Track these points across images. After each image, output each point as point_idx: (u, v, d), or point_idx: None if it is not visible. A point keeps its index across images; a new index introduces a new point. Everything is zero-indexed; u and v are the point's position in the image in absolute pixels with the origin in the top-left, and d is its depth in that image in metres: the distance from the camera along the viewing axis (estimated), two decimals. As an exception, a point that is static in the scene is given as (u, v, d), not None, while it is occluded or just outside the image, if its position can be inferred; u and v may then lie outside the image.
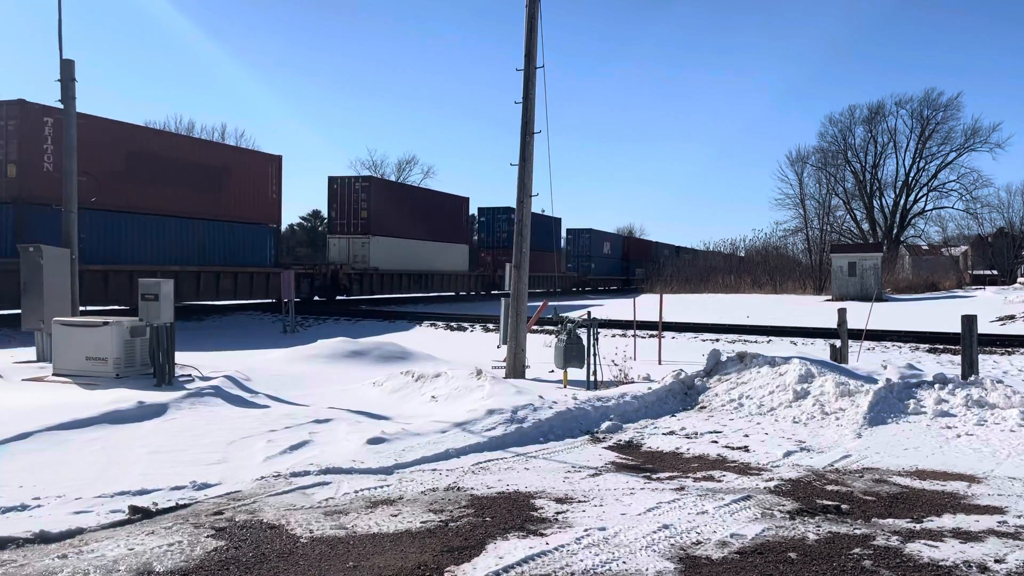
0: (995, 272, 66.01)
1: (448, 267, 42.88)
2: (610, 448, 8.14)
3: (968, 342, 11.20)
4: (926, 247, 73.52)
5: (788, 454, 7.79)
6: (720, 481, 6.74)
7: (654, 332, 17.99)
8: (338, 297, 33.34)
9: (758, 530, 5.29)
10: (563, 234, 60.45)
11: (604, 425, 9.04)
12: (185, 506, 5.74)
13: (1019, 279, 59.46)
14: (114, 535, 5.07)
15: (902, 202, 70.96)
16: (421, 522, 5.44)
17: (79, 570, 4.44)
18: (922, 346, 18.15)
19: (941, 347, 17.80)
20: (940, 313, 27.31)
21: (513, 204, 13.26)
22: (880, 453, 7.84)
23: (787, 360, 10.92)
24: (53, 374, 11.00)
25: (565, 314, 12.70)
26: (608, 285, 65.61)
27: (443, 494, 6.18)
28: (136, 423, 8.27)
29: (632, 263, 70.12)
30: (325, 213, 39.88)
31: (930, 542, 5.07)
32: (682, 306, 31.54)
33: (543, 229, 54.30)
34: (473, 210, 53.47)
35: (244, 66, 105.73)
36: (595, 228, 63.32)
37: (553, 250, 53.90)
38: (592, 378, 11.36)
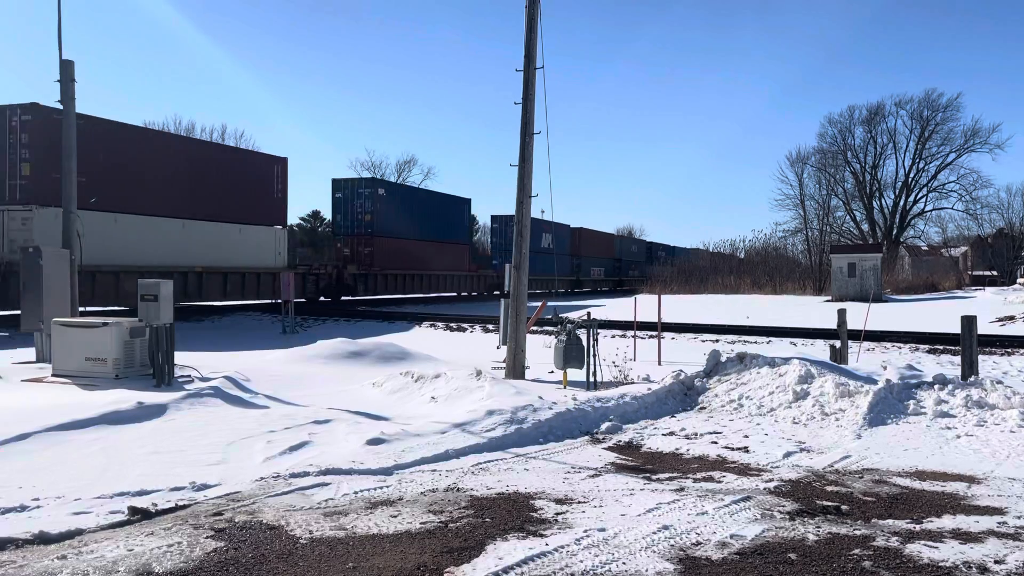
0: (995, 273, 66.05)
1: (243, 262, 27.56)
2: (610, 449, 8.13)
3: (968, 343, 11.20)
4: (926, 248, 73.60)
5: (788, 455, 7.79)
6: (720, 482, 6.73)
7: (653, 333, 18.00)
8: None
9: (758, 531, 5.29)
10: (487, 221, 51.30)
11: (604, 426, 9.04)
12: (184, 507, 5.74)
13: (1019, 280, 59.47)
14: (113, 536, 5.06)
15: (902, 203, 71.07)
16: (421, 523, 5.44)
17: (78, 571, 4.44)
18: (922, 347, 18.15)
19: (941, 348, 17.80)
20: (940, 314, 27.31)
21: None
22: (880, 454, 7.84)
23: (787, 361, 10.91)
24: (52, 375, 10.99)
25: (564, 315, 12.69)
26: (547, 287, 56.38)
27: (443, 495, 6.18)
28: (135, 424, 8.26)
29: (585, 261, 59.34)
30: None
31: (930, 543, 5.07)
32: (681, 307, 31.55)
33: (440, 211, 41.34)
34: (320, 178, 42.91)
35: (244, 67, 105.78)
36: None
37: (458, 240, 43.24)
38: (592, 379, 11.36)
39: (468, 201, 45.55)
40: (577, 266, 57.45)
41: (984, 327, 18.14)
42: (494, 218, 50.75)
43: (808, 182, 63.36)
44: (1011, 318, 26.38)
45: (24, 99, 20.34)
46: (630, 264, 68.40)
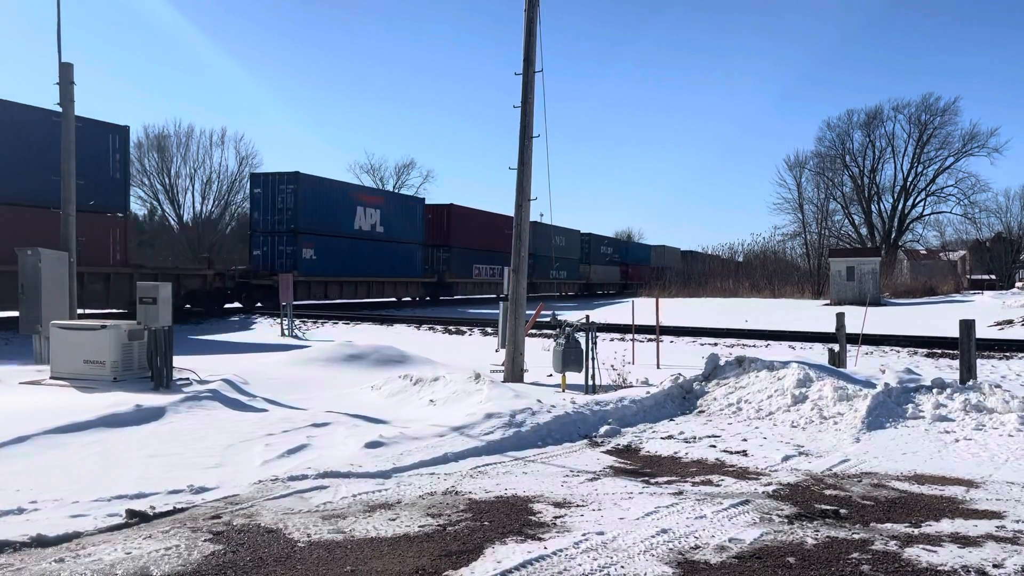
0: (993, 277, 66.04)
1: None
2: (608, 452, 8.13)
3: (966, 347, 11.21)
4: (924, 252, 73.64)
5: (786, 458, 7.79)
6: (718, 485, 6.73)
7: (652, 336, 17.99)
8: None
9: (756, 535, 5.29)
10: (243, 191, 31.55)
11: (602, 429, 9.03)
12: (182, 510, 5.73)
13: (1017, 283, 59.50)
14: (111, 539, 5.05)
15: (900, 207, 71.23)
16: (419, 526, 5.43)
17: (76, 573, 4.43)
18: (920, 351, 18.15)
19: (939, 352, 17.80)
20: (938, 317, 27.32)
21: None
22: (878, 458, 7.84)
23: (785, 364, 10.92)
24: (51, 377, 10.97)
25: (562, 317, 12.69)
26: (362, 292, 34.07)
27: (441, 498, 6.17)
28: (134, 426, 8.25)
29: (460, 254, 40.79)
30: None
31: (928, 547, 5.07)
32: (680, 310, 31.56)
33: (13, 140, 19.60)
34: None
35: (244, 69, 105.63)
36: (304, 172, 30.39)
37: (87, 206, 19.57)
38: (591, 382, 11.35)
39: (118, 131, 23.37)
40: (445, 261, 39.56)
41: (982, 331, 18.11)
42: (255, 178, 31.86)
43: (806, 186, 63.44)
44: (1009, 322, 26.36)
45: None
46: (548, 262, 48.52)
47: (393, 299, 38.05)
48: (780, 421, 9.55)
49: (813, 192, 63.67)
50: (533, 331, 17.89)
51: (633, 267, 66.66)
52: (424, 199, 41.27)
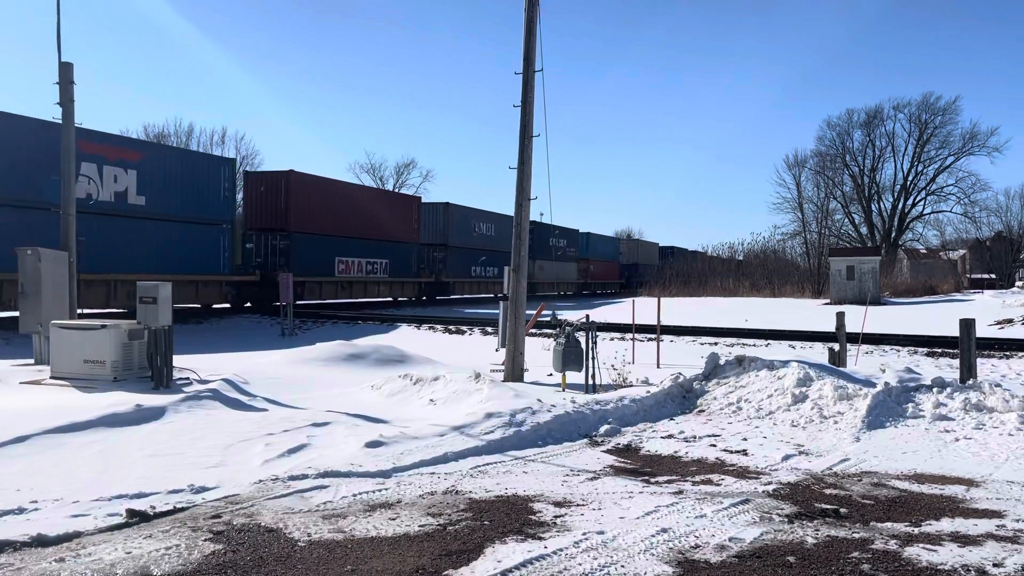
0: (993, 276, 66.02)
1: None
2: (608, 451, 8.13)
3: (966, 346, 11.21)
4: (924, 251, 73.64)
5: (786, 458, 7.79)
6: (718, 485, 6.73)
7: (652, 336, 18.00)
8: None
9: (756, 534, 5.29)
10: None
11: (602, 428, 9.03)
12: (183, 509, 5.73)
13: (1017, 283, 59.47)
14: (111, 538, 5.05)
15: (900, 206, 71.23)
16: (419, 526, 5.43)
17: (76, 573, 4.43)
18: (920, 350, 18.15)
19: (939, 351, 17.81)
20: (938, 317, 27.33)
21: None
22: (878, 457, 7.84)
23: (785, 364, 10.92)
24: (51, 377, 10.97)
25: (562, 317, 12.69)
26: (95, 298, 21.30)
27: (441, 498, 6.18)
28: (134, 426, 8.25)
29: (312, 242, 28.77)
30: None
31: (928, 546, 5.07)
32: (680, 310, 31.57)
33: None
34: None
35: (244, 69, 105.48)
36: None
37: None
38: (591, 381, 11.35)
39: None
40: (282, 251, 27.79)
41: (982, 330, 18.12)
42: None
43: (806, 185, 63.36)
44: (1009, 321, 26.36)
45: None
46: (469, 256, 37.99)
47: (193, 305, 25.26)
48: (780, 420, 9.55)
49: (813, 191, 63.65)
50: (533, 331, 17.89)
51: (596, 264, 56.66)
52: (234, 160, 25.84)
